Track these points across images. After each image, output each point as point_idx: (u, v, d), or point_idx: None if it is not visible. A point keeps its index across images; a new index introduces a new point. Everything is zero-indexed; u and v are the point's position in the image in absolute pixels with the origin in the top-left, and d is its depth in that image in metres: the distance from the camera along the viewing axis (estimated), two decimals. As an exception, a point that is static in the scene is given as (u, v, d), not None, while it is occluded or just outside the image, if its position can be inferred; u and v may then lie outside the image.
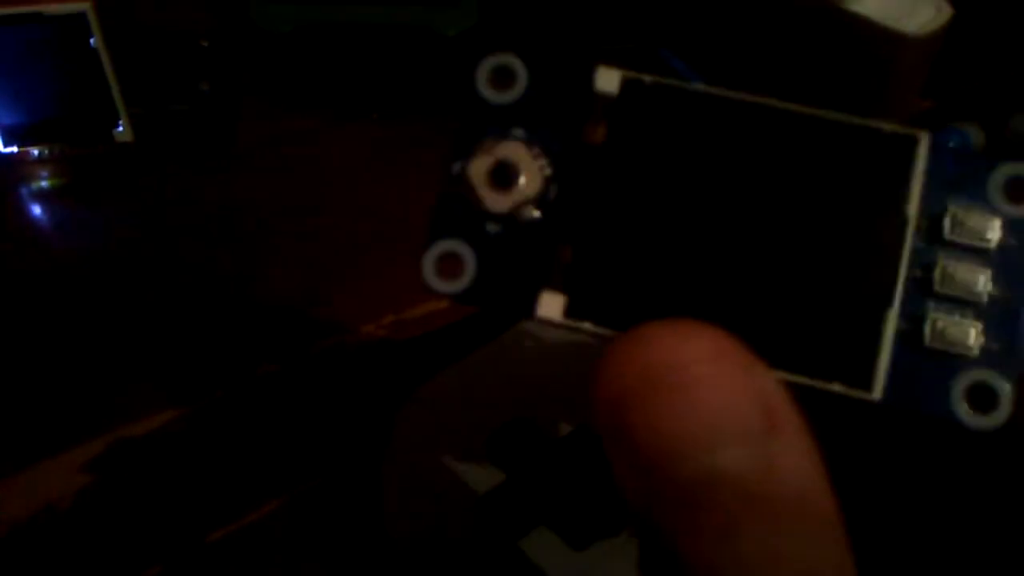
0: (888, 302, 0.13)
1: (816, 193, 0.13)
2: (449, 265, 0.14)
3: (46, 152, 0.45)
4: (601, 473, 0.28)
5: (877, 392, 0.13)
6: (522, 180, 0.13)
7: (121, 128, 0.44)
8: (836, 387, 0.13)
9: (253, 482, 0.34)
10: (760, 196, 0.13)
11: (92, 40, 0.41)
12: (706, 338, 0.12)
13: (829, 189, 0.13)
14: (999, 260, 0.13)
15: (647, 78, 0.14)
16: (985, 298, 0.13)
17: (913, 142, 0.13)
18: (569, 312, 0.13)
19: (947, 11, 0.47)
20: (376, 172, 0.46)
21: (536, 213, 0.13)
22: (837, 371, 0.13)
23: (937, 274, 0.13)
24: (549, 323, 0.13)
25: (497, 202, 0.13)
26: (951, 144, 0.47)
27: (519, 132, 0.14)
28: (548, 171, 0.13)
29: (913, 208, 0.13)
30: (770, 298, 0.13)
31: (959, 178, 0.13)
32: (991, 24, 0.54)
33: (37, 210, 0.44)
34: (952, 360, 0.13)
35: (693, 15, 0.55)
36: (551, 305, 0.13)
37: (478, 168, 0.13)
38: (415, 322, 0.39)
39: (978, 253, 0.13)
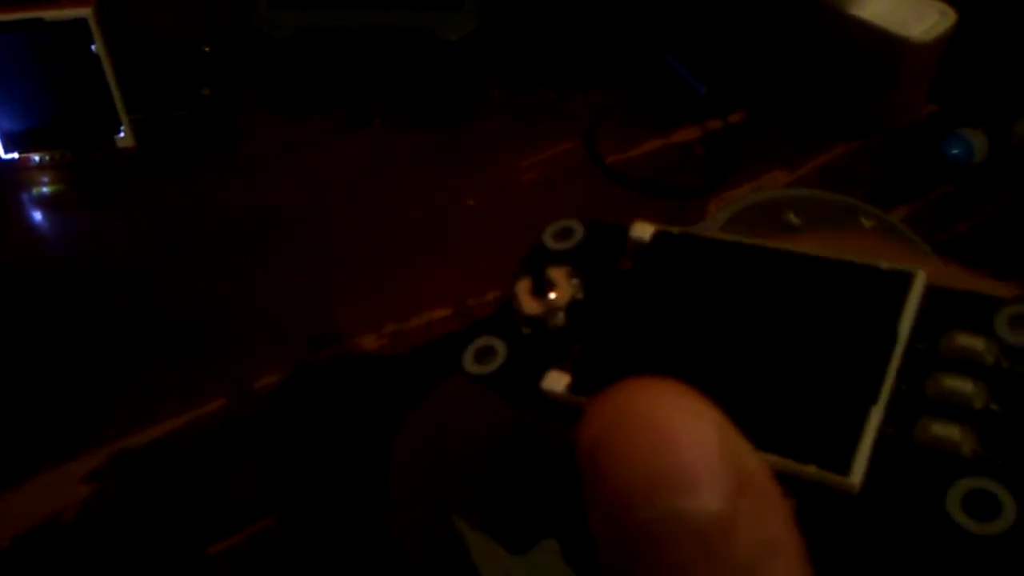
0: (873, 399, 0.13)
1: (814, 313, 0.15)
2: (484, 355, 0.16)
3: (47, 158, 0.45)
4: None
5: (856, 476, 0.13)
6: (553, 294, 0.16)
7: (123, 134, 0.44)
8: (811, 469, 0.13)
9: (254, 493, 0.34)
10: (762, 310, 0.15)
11: (93, 46, 0.41)
12: (681, 394, 0.12)
13: (827, 309, 0.15)
14: (997, 380, 0.13)
15: (675, 230, 0.16)
16: (977, 404, 0.13)
17: (908, 277, 0.14)
18: (573, 389, 0.15)
19: (951, 17, 0.46)
20: (378, 178, 0.46)
21: (562, 321, 0.16)
22: (815, 454, 0.13)
23: (929, 383, 0.13)
24: (552, 396, 0.15)
25: (531, 306, 0.16)
26: (954, 151, 0.47)
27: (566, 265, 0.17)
28: (580, 293, 0.16)
29: (905, 328, 0.14)
30: (760, 388, 0.14)
31: (962, 311, 0.14)
32: (995, 30, 0.54)
33: (38, 216, 0.44)
34: (947, 464, 0.13)
35: (698, 20, 0.54)
36: (557, 380, 0.15)
37: (522, 282, 0.16)
38: (416, 331, 0.39)
39: (973, 368, 0.13)
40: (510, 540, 0.30)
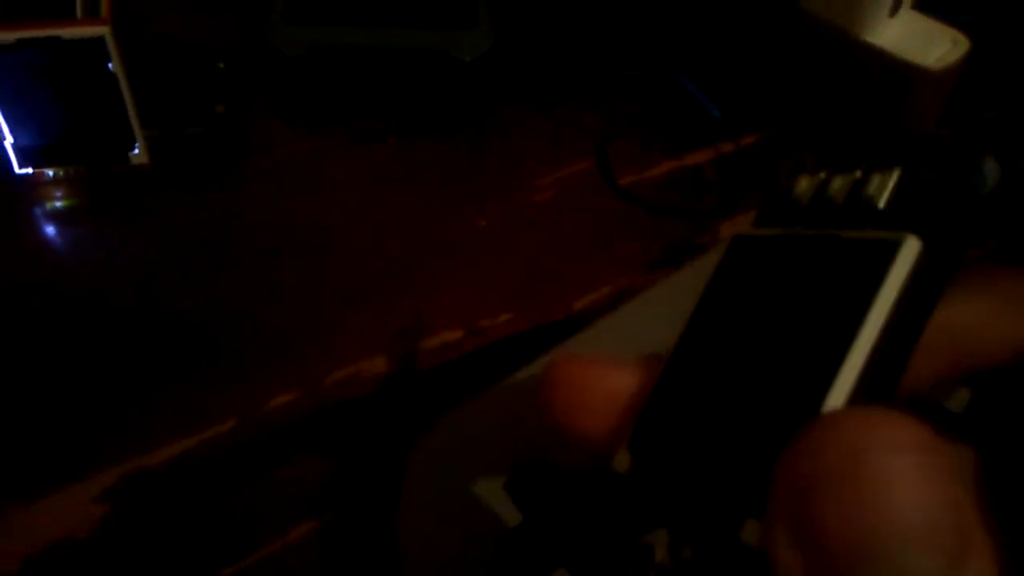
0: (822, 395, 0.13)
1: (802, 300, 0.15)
2: None
3: (61, 173, 0.45)
4: (616, 515, 0.28)
5: None
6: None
7: (137, 150, 0.44)
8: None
9: (265, 514, 0.34)
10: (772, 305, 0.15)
11: (110, 64, 0.41)
12: (904, 428, 0.12)
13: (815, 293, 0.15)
14: None
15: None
16: None
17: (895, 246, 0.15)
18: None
19: (964, 44, 0.47)
20: (391, 196, 0.46)
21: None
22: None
23: None
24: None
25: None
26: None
27: None
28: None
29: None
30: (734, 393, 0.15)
31: None
32: (1008, 57, 0.54)
33: (51, 230, 0.44)
34: None
35: (712, 44, 0.54)
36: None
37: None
38: (428, 353, 0.39)
39: None
40: (521, 570, 0.30)
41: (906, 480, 0.11)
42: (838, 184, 0.15)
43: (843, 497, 0.11)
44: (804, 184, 0.15)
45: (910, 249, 0.14)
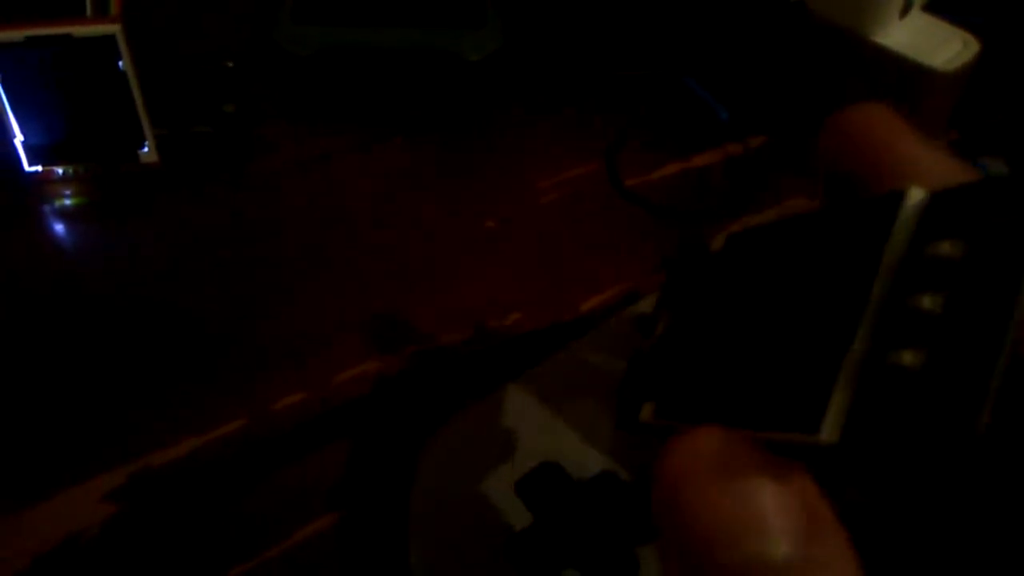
0: (845, 348, 0.12)
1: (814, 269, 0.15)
2: None
3: (71, 171, 0.45)
4: (625, 517, 0.28)
5: (826, 433, 0.12)
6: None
7: (146, 149, 0.44)
8: (795, 436, 0.13)
9: (276, 514, 0.34)
10: (780, 283, 0.15)
11: (120, 63, 0.41)
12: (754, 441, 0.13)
13: (824, 260, 0.15)
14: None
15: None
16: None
17: (899, 197, 0.14)
18: (656, 414, 0.16)
19: (974, 46, 0.46)
20: (399, 196, 0.46)
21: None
22: (792, 421, 0.13)
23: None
24: (647, 429, 0.16)
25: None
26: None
27: None
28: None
29: (892, 253, 0.13)
30: (758, 367, 0.14)
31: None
32: (1019, 59, 0.54)
33: (60, 229, 0.44)
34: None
35: (720, 44, 0.54)
36: (646, 411, 0.17)
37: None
38: (437, 354, 0.39)
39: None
40: (531, 570, 0.30)
41: (760, 474, 0.13)
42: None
43: (704, 489, 0.13)
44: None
45: None
